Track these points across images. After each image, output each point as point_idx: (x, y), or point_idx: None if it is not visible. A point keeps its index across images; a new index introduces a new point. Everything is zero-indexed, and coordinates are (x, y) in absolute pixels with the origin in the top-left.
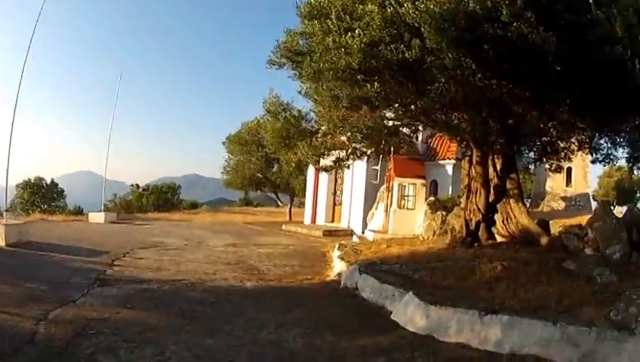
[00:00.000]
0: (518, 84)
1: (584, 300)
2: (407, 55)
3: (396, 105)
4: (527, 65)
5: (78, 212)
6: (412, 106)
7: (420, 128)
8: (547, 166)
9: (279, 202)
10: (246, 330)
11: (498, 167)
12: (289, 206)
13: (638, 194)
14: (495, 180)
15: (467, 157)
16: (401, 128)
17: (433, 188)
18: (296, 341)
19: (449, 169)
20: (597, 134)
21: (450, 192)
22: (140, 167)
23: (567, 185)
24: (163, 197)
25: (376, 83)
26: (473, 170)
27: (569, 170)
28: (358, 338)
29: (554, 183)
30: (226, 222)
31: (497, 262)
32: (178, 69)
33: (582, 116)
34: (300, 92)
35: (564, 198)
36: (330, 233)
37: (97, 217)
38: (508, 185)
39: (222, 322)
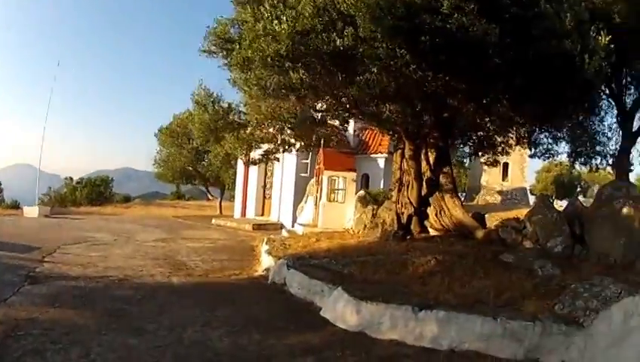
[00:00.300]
0: (455, 77)
1: (525, 293)
2: (338, 43)
3: (325, 95)
4: (466, 58)
5: (15, 206)
6: (342, 97)
7: (352, 121)
8: (483, 160)
9: (209, 196)
10: (171, 329)
11: (431, 161)
12: (219, 199)
13: (578, 189)
14: (428, 174)
15: (399, 151)
16: (331, 120)
17: (364, 181)
18: (222, 340)
19: (381, 162)
20: (537, 129)
21: (381, 186)
22: (79, 159)
23: (503, 180)
24: (96, 191)
25: (303, 71)
26: (405, 164)
27: (505, 164)
28: (286, 337)
29: (489, 177)
30: (156, 216)
31: (431, 256)
32: (113, 57)
33: (522, 111)
34: (229, 82)
35: (500, 192)
36: (259, 227)
37: (32, 211)
38: (441, 179)
39: (147, 321)
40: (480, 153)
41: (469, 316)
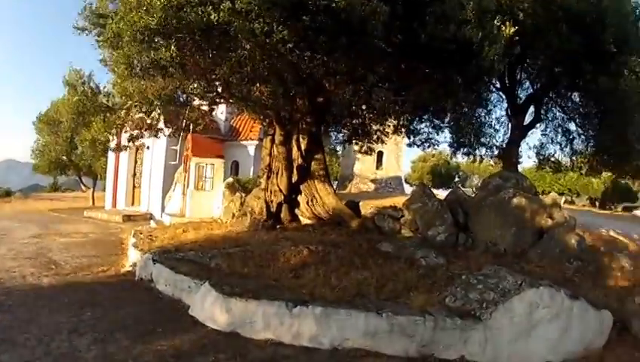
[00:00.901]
0: (335, 59)
1: (410, 285)
2: (213, 17)
3: (195, 75)
4: (349, 39)
5: None
6: (212, 77)
7: (223, 106)
8: (357, 148)
9: (83, 186)
10: (40, 340)
11: (303, 147)
12: (92, 190)
13: (456, 179)
14: (299, 160)
15: (269, 136)
16: (199, 103)
17: (235, 169)
18: (91, 349)
19: (251, 149)
20: (418, 117)
21: (251, 174)
22: None
23: (377, 168)
24: None
25: (173, 48)
26: (275, 150)
27: (380, 153)
28: (155, 341)
29: (363, 166)
30: (33, 210)
31: (303, 246)
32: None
33: (406, 96)
34: (100, 61)
35: (373, 181)
36: (129, 218)
37: None
38: (313, 166)
39: (17, 331)
40: (354, 141)
41: (350, 311)
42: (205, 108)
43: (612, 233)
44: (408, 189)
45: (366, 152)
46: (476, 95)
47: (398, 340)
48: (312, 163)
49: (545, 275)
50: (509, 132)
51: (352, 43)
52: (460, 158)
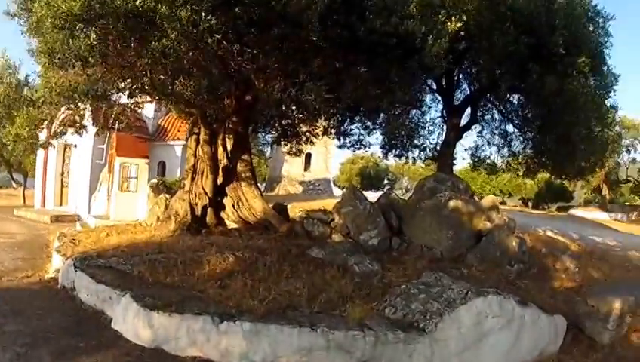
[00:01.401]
0: (266, 53)
1: (345, 295)
2: (138, 3)
3: (116, 66)
4: (282, 33)
5: None
6: (135, 69)
7: (151, 103)
8: (285, 149)
9: (14, 184)
10: None
11: (229, 148)
12: (23, 188)
13: (385, 181)
14: (225, 161)
15: (194, 136)
16: (122, 98)
17: (161, 170)
18: None
19: (178, 150)
20: (349, 119)
21: (178, 174)
22: None
23: (305, 170)
24: None
25: (94, 36)
26: (200, 150)
27: (308, 155)
28: (77, 357)
29: (291, 168)
30: None
31: (229, 252)
32: None
33: (335, 96)
34: (28, 50)
35: (302, 183)
36: (57, 219)
37: None
38: (240, 168)
39: None
40: (283, 142)
41: (282, 327)
42: (130, 102)
43: (550, 233)
44: (337, 192)
45: (295, 154)
46: (412, 95)
47: (335, 356)
48: (239, 164)
49: (486, 280)
50: (445, 134)
51: (284, 36)
52: (392, 160)
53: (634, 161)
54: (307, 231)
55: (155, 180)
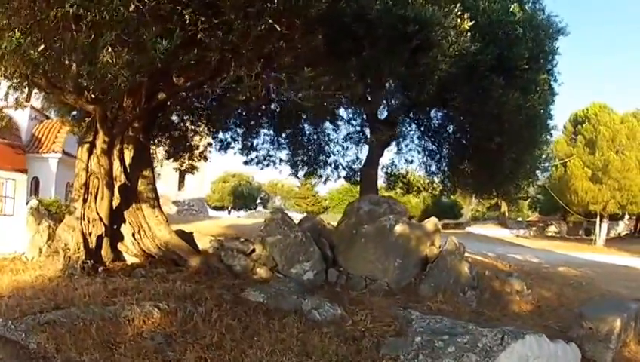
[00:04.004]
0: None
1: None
2: None
3: None
4: None
5: None
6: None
7: (27, 107)
8: (177, 165)
9: None
10: None
11: (127, 161)
12: None
13: (258, 201)
14: (122, 178)
15: (86, 145)
16: None
17: (34, 187)
18: None
19: (53, 164)
20: (248, 133)
21: (52, 194)
22: None
23: (179, 189)
24: None
25: None
26: (95, 162)
27: (183, 172)
28: None
29: (165, 186)
30: None
31: (149, 303)
32: None
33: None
34: None
35: (175, 202)
36: None
37: None
38: (140, 186)
39: None
40: (175, 156)
41: None
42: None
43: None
44: (212, 212)
45: (189, 170)
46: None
47: None
48: (139, 182)
49: (455, 312)
50: (368, 151)
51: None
52: (301, 177)
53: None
54: (228, 266)
55: (34, 201)
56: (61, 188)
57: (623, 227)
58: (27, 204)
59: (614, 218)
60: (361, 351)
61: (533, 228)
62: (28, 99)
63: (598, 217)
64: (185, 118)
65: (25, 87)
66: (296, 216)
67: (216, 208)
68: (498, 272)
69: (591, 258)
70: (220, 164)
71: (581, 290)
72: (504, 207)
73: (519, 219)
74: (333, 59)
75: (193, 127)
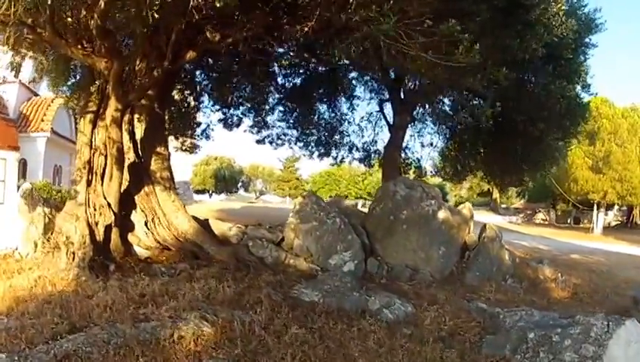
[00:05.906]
0: None
1: None
2: None
3: None
4: None
5: None
6: None
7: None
8: (177, 144)
9: None
10: None
11: (138, 135)
12: None
13: (239, 184)
14: (131, 155)
15: (89, 115)
16: None
17: (22, 170)
18: None
19: (41, 144)
20: (261, 109)
21: (40, 177)
22: None
23: None
24: None
25: None
26: (103, 136)
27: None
28: None
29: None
30: None
31: (193, 315)
32: None
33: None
34: None
35: None
36: None
37: None
38: (154, 165)
39: None
40: (178, 134)
41: None
42: None
43: None
44: (196, 196)
45: (188, 150)
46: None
47: None
48: (152, 160)
49: (510, 301)
50: (391, 133)
51: None
52: (317, 159)
53: None
54: (260, 258)
55: (27, 184)
56: (48, 171)
57: (612, 217)
58: (19, 189)
59: (606, 208)
60: (464, 355)
61: (521, 215)
62: (17, 75)
63: (595, 206)
64: (187, 92)
65: (23, 41)
66: (277, 200)
67: (197, 191)
68: (528, 260)
69: (594, 246)
70: (203, 147)
71: (603, 277)
72: (496, 194)
73: (503, 205)
74: (446, 19)
75: (195, 103)
